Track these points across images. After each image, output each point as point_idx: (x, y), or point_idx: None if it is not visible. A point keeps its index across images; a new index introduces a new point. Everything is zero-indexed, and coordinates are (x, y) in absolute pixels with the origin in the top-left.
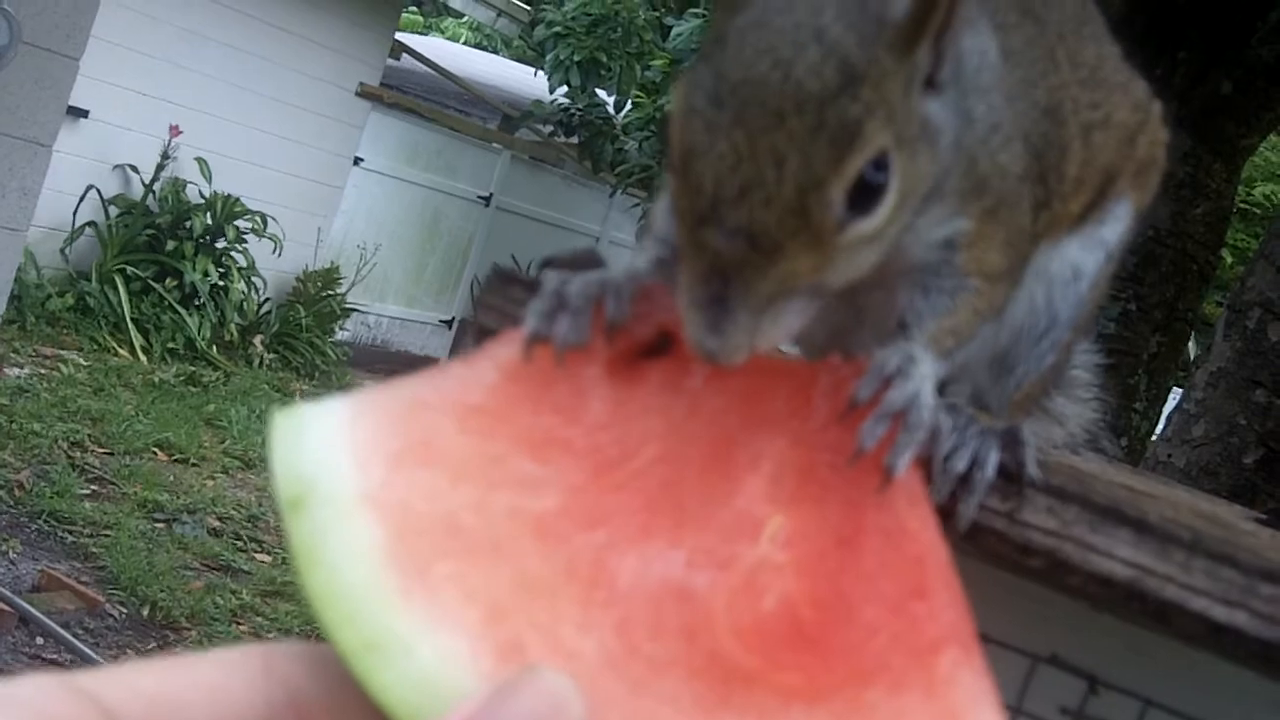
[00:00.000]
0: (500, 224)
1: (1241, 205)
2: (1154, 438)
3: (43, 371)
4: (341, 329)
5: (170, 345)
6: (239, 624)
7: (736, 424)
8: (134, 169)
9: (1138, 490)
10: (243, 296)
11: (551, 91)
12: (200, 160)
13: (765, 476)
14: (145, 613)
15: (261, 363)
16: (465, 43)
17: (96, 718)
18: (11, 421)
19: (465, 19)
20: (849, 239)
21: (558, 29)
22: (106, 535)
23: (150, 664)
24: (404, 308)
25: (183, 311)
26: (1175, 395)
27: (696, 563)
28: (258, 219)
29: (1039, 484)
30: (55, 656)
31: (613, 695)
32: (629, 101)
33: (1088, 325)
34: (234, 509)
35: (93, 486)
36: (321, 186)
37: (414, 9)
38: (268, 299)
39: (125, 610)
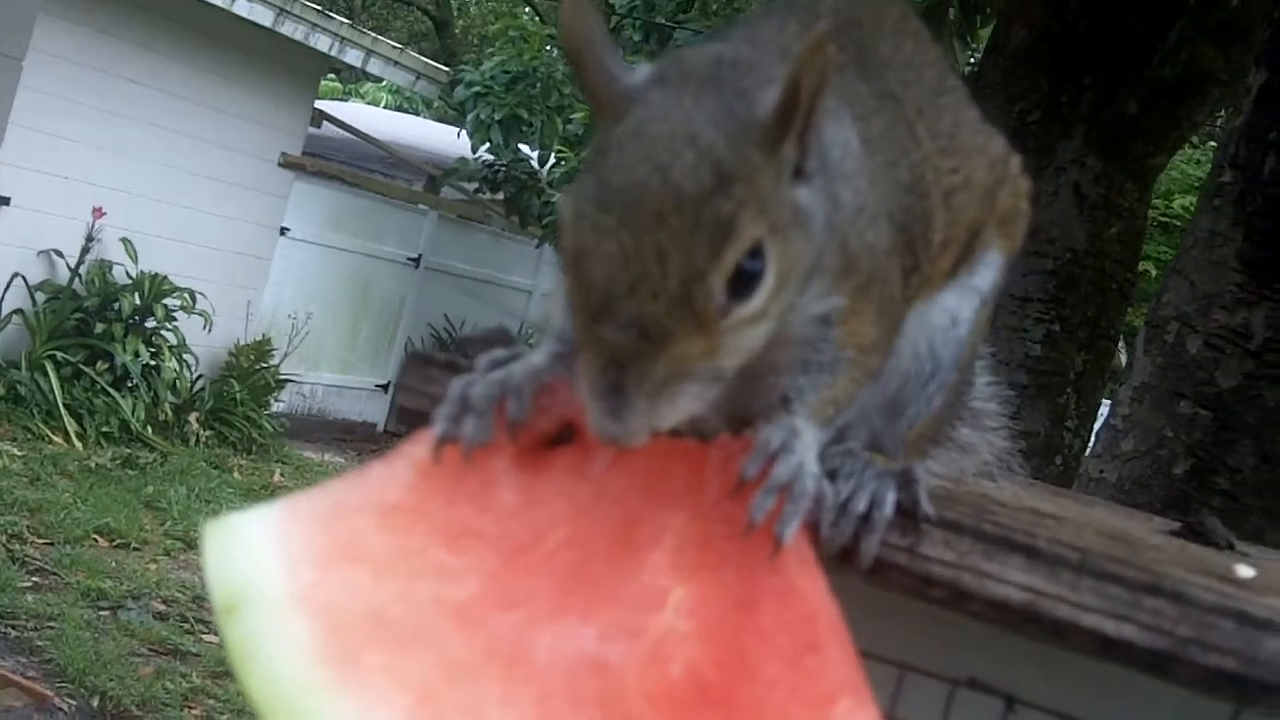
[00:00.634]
0: (431, 284)
1: (1161, 219)
2: (1086, 454)
3: None
4: (277, 400)
5: (105, 429)
6: (191, 708)
7: (639, 503)
8: (59, 254)
9: (1043, 513)
10: (175, 375)
11: (474, 150)
12: (125, 240)
13: (667, 550)
14: (95, 704)
15: (198, 440)
16: (386, 106)
17: None
18: None
19: (384, 83)
20: (733, 323)
21: (477, 89)
22: (51, 627)
23: None
24: (339, 375)
25: (115, 394)
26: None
27: (608, 636)
28: (186, 296)
29: (934, 519)
30: None
31: None
32: (552, 155)
33: (972, 365)
34: (179, 591)
35: (34, 578)
36: (249, 259)
37: (333, 76)
38: (200, 375)
39: (75, 703)
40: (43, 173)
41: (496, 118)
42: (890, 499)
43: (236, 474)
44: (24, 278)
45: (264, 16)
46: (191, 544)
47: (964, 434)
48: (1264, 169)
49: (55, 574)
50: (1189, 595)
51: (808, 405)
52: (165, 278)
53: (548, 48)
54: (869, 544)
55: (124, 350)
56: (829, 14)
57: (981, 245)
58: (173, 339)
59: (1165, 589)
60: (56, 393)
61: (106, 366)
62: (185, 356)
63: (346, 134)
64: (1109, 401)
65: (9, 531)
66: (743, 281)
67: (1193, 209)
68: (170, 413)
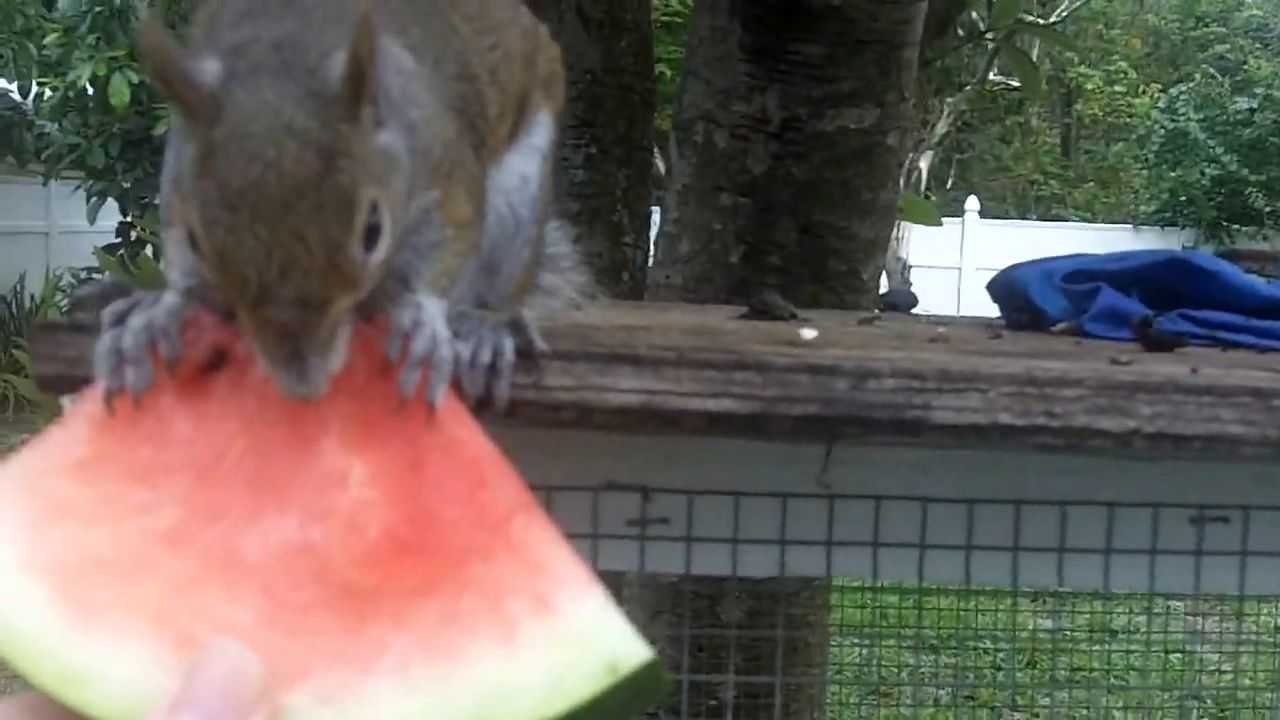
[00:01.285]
0: None
1: (664, 19)
2: (650, 264)
3: None
4: None
5: None
6: None
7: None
8: None
9: (634, 327)
10: None
11: None
12: None
13: (335, 435)
14: None
15: None
16: None
17: None
18: None
19: None
20: (371, 271)
21: None
22: None
23: None
24: None
25: None
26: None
27: (306, 521)
28: None
29: (549, 354)
30: None
31: (277, 645)
32: (33, 84)
33: (545, 216)
34: None
35: None
36: None
37: None
38: None
39: None
40: None
41: None
42: (509, 345)
43: None
44: None
45: None
46: None
47: (546, 279)
48: None
49: None
50: (768, 363)
51: (425, 281)
52: None
53: None
54: (501, 389)
55: None
56: None
57: (532, 108)
58: None
59: (749, 363)
60: None
61: None
62: None
63: None
64: (658, 209)
65: None
66: (371, 236)
67: (688, 5)
68: None
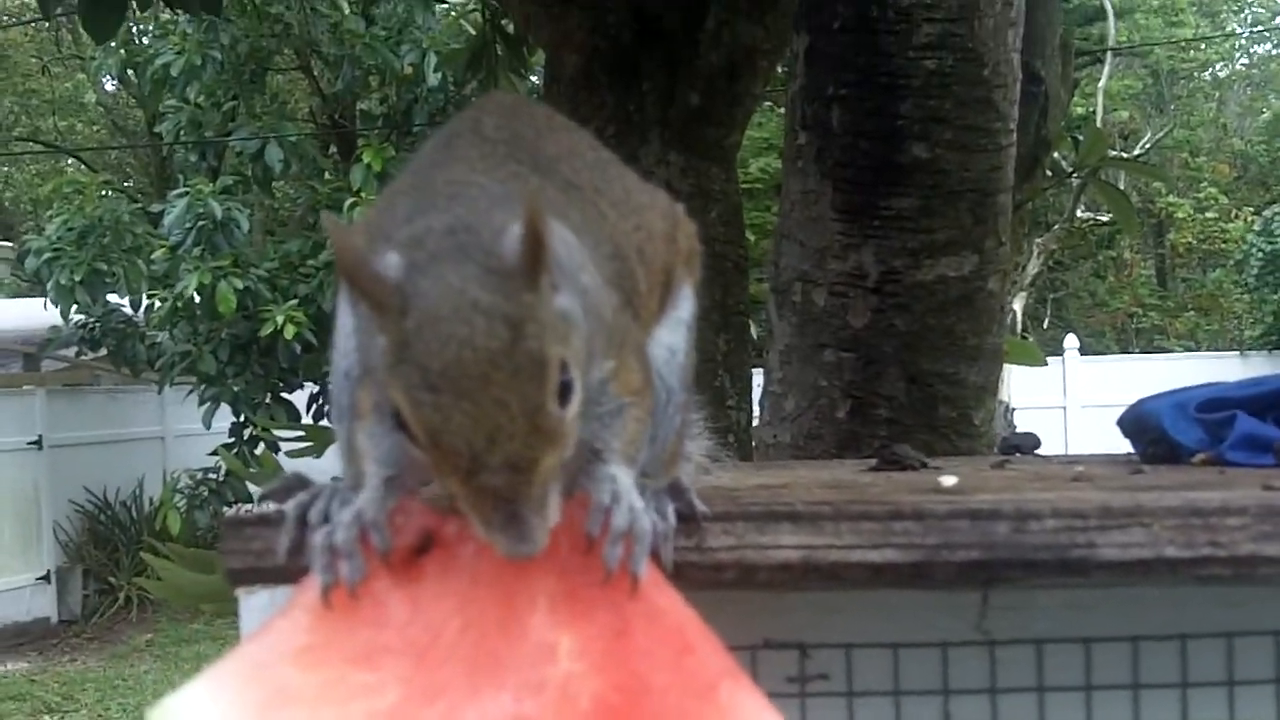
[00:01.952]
0: (60, 462)
1: (745, 187)
2: (755, 424)
3: None
4: None
5: None
6: None
7: (508, 579)
8: None
9: (773, 486)
10: None
11: (64, 316)
12: None
13: (544, 610)
14: None
15: None
16: None
17: None
18: None
19: None
20: (569, 426)
21: (48, 254)
22: None
23: None
24: None
25: None
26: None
27: (520, 696)
28: None
29: (710, 515)
30: None
31: None
32: (144, 296)
33: (692, 384)
34: None
35: None
36: None
37: None
38: None
39: None
40: None
41: (77, 278)
42: (670, 509)
43: None
44: None
45: None
46: None
47: (685, 446)
48: (832, 123)
49: None
50: (926, 511)
51: (615, 452)
52: None
53: (104, 193)
54: (666, 552)
55: None
56: (495, 137)
57: (676, 282)
58: None
59: (907, 512)
60: None
61: None
62: None
63: None
64: (759, 370)
65: None
66: (564, 393)
67: (769, 170)
68: None
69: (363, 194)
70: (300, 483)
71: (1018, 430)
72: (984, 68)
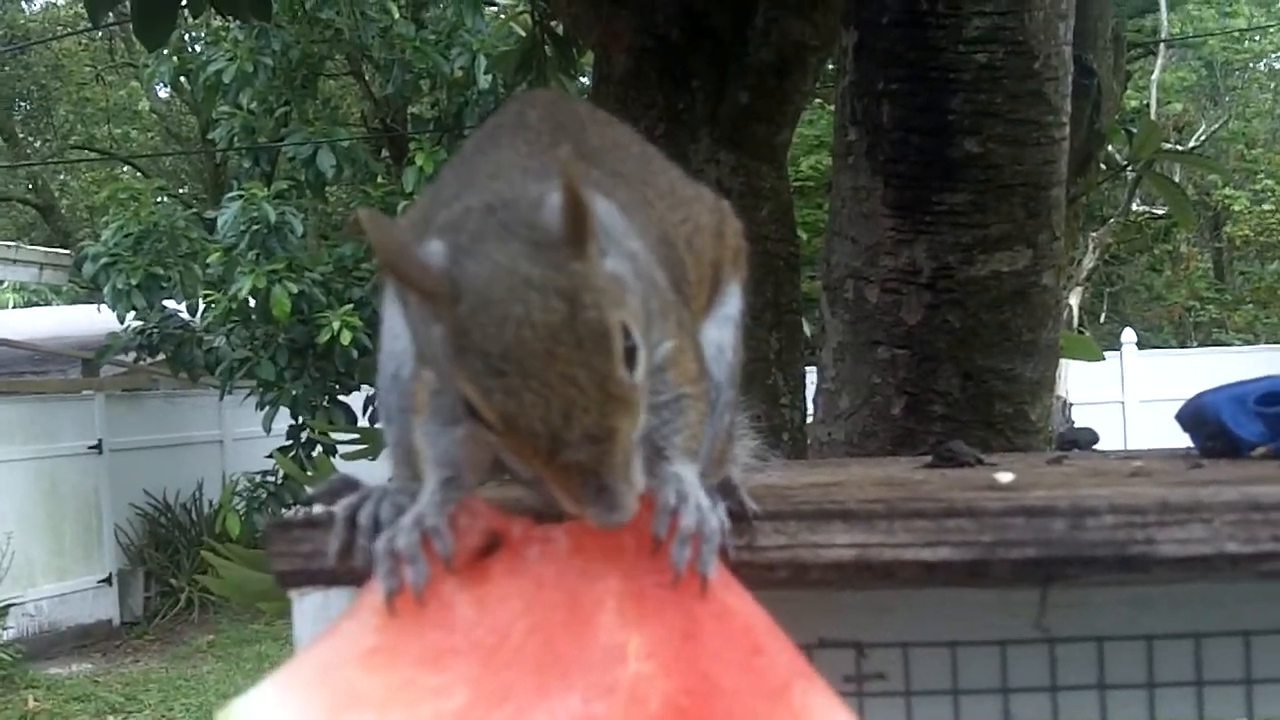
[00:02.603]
0: (120, 466)
1: (795, 184)
2: (809, 422)
3: None
4: (5, 629)
5: None
6: None
7: (574, 580)
8: None
9: (825, 484)
10: None
11: (121, 321)
12: None
13: (612, 611)
14: None
15: None
16: (15, 306)
17: None
18: None
19: (4, 284)
20: (640, 390)
21: (105, 259)
22: None
23: None
24: (58, 583)
25: None
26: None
27: (590, 697)
28: None
29: (761, 514)
30: None
31: None
32: (200, 301)
33: (740, 381)
34: None
35: None
36: None
37: None
38: None
39: None
40: None
41: (134, 283)
42: (722, 509)
43: None
44: None
45: None
46: None
47: (733, 445)
48: (882, 118)
49: None
50: (981, 508)
51: (678, 448)
52: None
53: (159, 199)
54: (731, 551)
55: None
56: (539, 126)
57: (724, 279)
58: None
59: (961, 509)
60: None
61: None
62: None
63: None
64: (812, 368)
65: None
66: (630, 357)
67: (819, 168)
68: None
69: (415, 197)
70: (348, 485)
71: (1075, 426)
72: (1035, 60)
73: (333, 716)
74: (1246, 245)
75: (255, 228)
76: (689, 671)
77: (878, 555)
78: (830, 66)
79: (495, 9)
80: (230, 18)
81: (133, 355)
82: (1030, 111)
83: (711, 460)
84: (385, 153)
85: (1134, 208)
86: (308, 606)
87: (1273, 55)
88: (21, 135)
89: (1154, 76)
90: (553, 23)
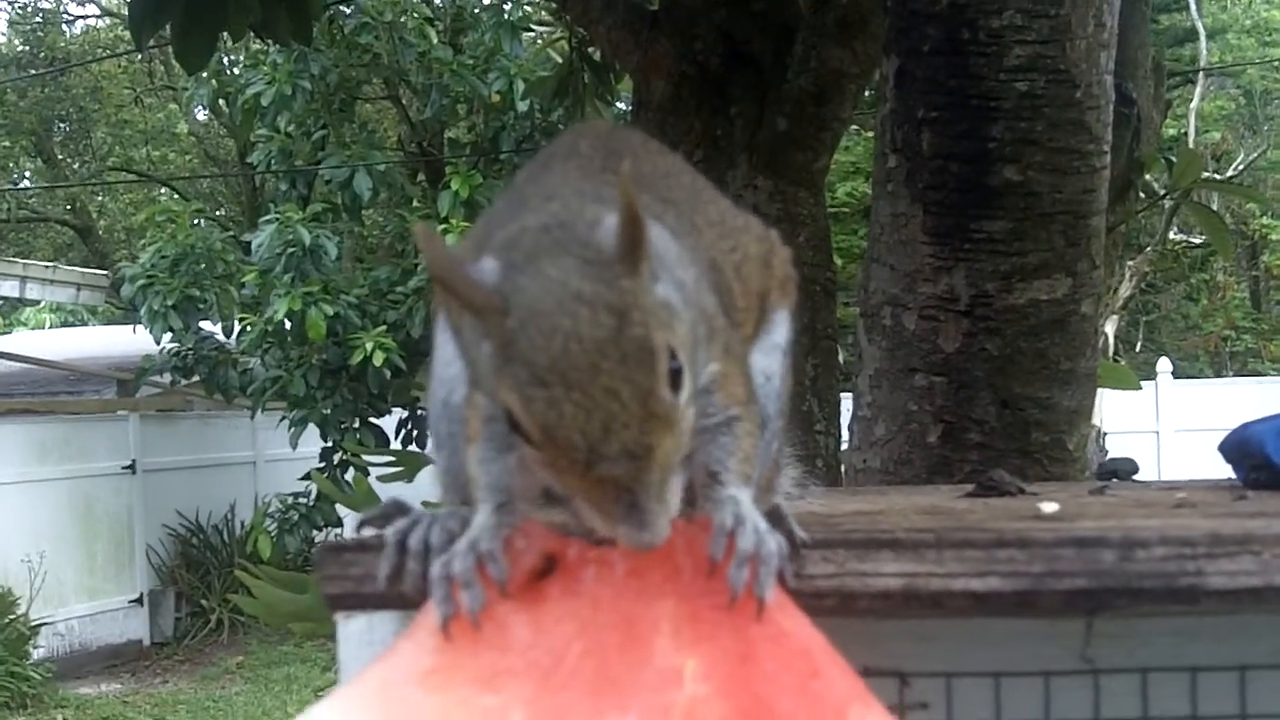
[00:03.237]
0: (153, 486)
1: (831, 210)
2: (844, 449)
3: None
4: (35, 648)
5: None
6: None
7: (630, 603)
8: None
9: (869, 512)
10: None
11: (157, 342)
12: None
13: (668, 634)
14: None
15: None
16: (51, 326)
17: None
18: None
19: (42, 304)
20: (683, 412)
21: (142, 281)
22: None
23: None
24: (89, 603)
25: None
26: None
27: (645, 719)
28: None
29: (809, 542)
30: None
31: None
32: (235, 323)
33: (788, 410)
34: None
35: None
36: None
37: None
38: None
39: None
40: None
41: (170, 304)
42: (778, 532)
43: None
44: None
45: None
46: None
47: (779, 474)
48: (922, 146)
49: None
50: (1031, 538)
51: (732, 472)
52: None
53: (197, 222)
54: (789, 575)
55: None
56: (591, 154)
57: (771, 307)
58: None
59: (1010, 539)
60: None
61: None
62: None
63: (23, 365)
64: (846, 395)
65: None
66: (674, 378)
67: (855, 194)
68: None
69: (451, 220)
70: (400, 509)
71: (1109, 454)
72: (1076, 89)
73: None
74: None
75: (291, 250)
76: (745, 694)
77: (926, 585)
78: (869, 93)
79: (533, 34)
80: (270, 41)
81: (168, 376)
82: (1071, 140)
83: (760, 488)
84: (421, 176)
85: (1171, 236)
86: (352, 630)
87: None
88: (60, 157)
89: (1193, 105)
90: (590, 49)
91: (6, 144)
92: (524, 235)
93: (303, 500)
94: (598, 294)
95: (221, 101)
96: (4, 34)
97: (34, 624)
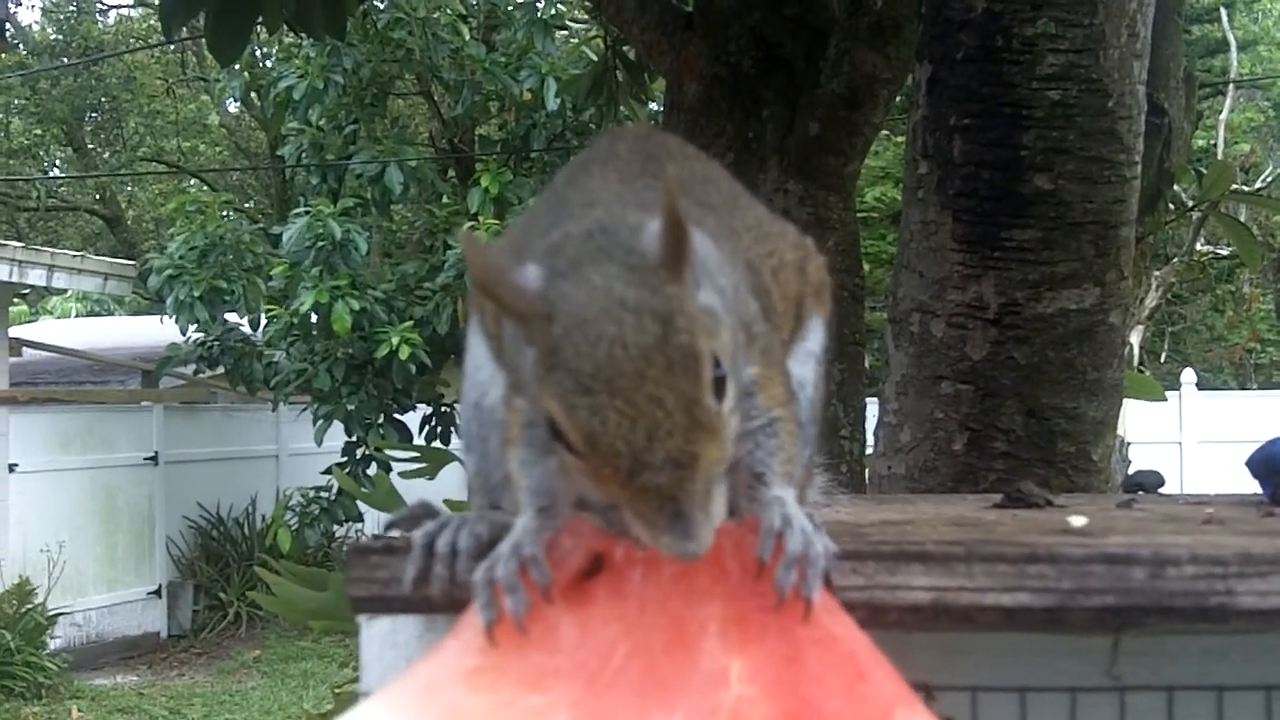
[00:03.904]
0: (174, 478)
1: (860, 215)
2: (869, 455)
3: None
4: (52, 638)
5: None
6: None
7: (677, 604)
8: None
9: (897, 522)
10: None
11: (183, 333)
12: None
13: (715, 635)
14: None
15: None
16: (78, 315)
17: None
18: None
19: (69, 293)
20: (727, 421)
21: (169, 271)
22: None
23: None
24: (107, 594)
25: None
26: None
27: None
28: None
29: (840, 554)
30: None
31: None
32: (261, 315)
33: (821, 417)
34: None
35: None
36: None
37: (17, 299)
38: None
39: None
40: None
41: (196, 295)
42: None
43: None
44: None
45: None
46: None
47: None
48: (954, 153)
49: None
50: (1062, 554)
51: (776, 474)
52: None
53: (226, 213)
54: (836, 577)
55: None
56: (629, 158)
57: (806, 314)
58: None
59: (1041, 555)
60: None
61: None
62: None
63: (48, 353)
64: (872, 400)
65: None
66: (718, 386)
67: (884, 199)
68: None
69: (480, 217)
70: (427, 511)
71: (1132, 464)
72: (1109, 99)
73: None
74: None
75: (320, 244)
76: (791, 696)
77: (955, 599)
78: (900, 99)
79: (566, 33)
80: (303, 35)
81: (193, 368)
82: (1102, 150)
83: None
84: (451, 173)
85: (1198, 247)
86: (375, 632)
87: None
88: (91, 146)
89: (1222, 116)
90: (625, 48)
91: (38, 132)
92: (568, 241)
93: (324, 495)
94: (642, 301)
95: (254, 94)
96: (38, 22)
97: (51, 614)
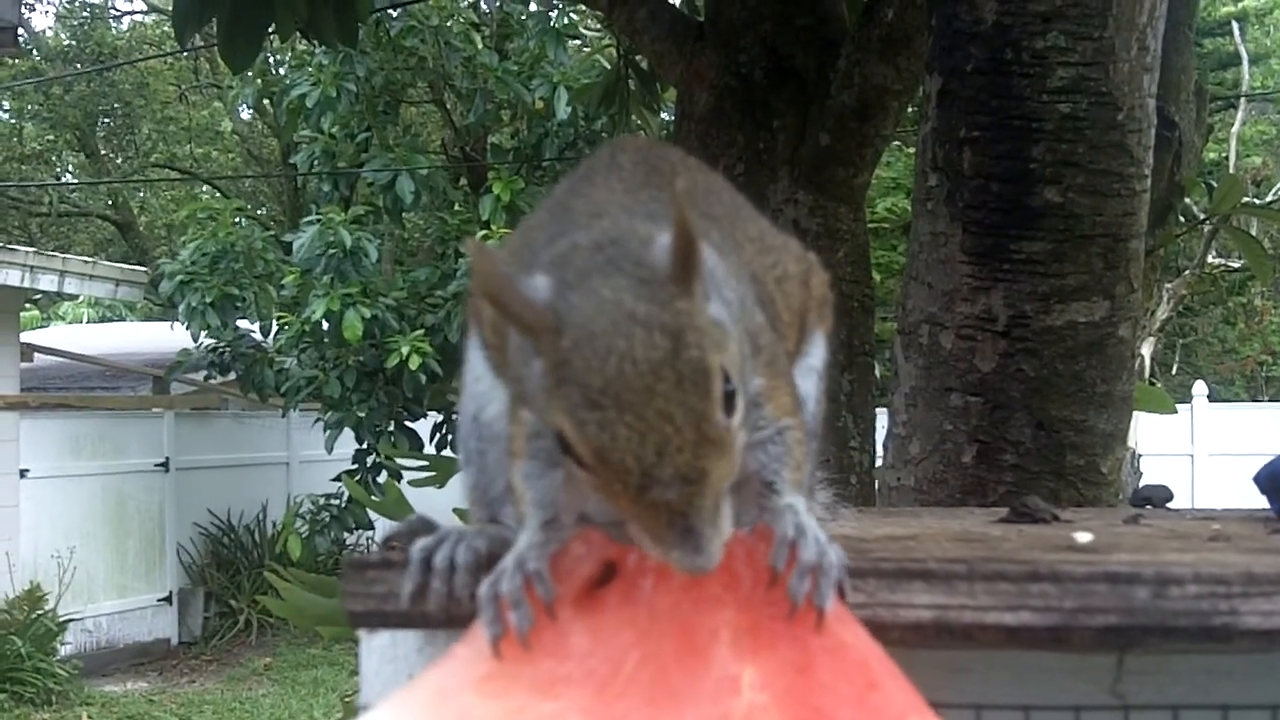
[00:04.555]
0: (185, 484)
1: (870, 226)
2: (878, 466)
3: None
4: (63, 644)
5: None
6: None
7: (689, 611)
8: None
9: (901, 537)
10: None
11: (195, 339)
12: None
13: (726, 643)
14: None
15: None
16: (89, 321)
17: None
18: None
19: (81, 298)
20: (735, 435)
21: (181, 277)
22: None
23: None
24: (118, 600)
25: None
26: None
27: None
28: None
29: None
30: None
31: None
32: (273, 322)
33: (822, 432)
34: None
35: None
36: None
37: (28, 305)
38: None
39: None
40: None
41: (208, 301)
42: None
43: None
44: None
45: None
46: None
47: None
48: (963, 165)
49: None
50: (1064, 573)
51: (787, 482)
52: None
53: (238, 220)
54: (847, 587)
55: None
56: (632, 169)
57: (809, 329)
58: None
59: (1044, 573)
60: None
61: None
62: None
63: (59, 359)
64: (882, 411)
65: None
66: (728, 401)
67: (895, 210)
68: None
69: (492, 225)
70: (425, 526)
71: (1144, 477)
72: (1119, 112)
73: None
74: None
75: (331, 251)
76: (802, 705)
77: (958, 618)
78: (911, 111)
79: (578, 42)
80: (316, 43)
81: (203, 374)
82: (1112, 163)
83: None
84: (463, 181)
85: (1209, 260)
86: (376, 645)
87: None
88: (104, 152)
89: (1234, 130)
90: (638, 57)
91: (50, 138)
92: (575, 252)
93: (334, 502)
94: (652, 315)
95: (266, 101)
96: (52, 28)
97: (62, 620)
